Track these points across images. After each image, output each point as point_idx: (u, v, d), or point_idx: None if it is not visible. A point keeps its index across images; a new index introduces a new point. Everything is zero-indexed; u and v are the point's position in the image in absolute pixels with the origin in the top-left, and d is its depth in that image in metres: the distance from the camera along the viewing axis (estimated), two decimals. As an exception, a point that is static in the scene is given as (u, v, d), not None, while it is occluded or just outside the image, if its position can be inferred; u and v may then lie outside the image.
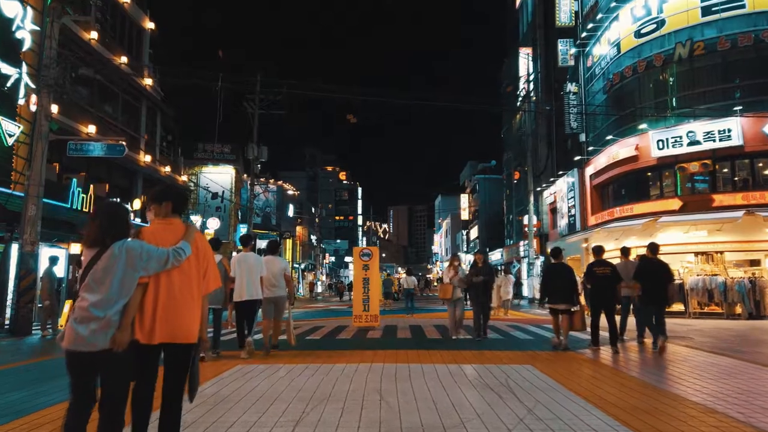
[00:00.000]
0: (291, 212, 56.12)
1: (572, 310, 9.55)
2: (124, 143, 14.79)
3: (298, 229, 58.63)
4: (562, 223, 32.31)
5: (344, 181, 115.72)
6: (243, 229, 34.91)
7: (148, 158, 23.21)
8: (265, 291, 8.93)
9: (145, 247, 3.21)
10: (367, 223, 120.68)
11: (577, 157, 29.87)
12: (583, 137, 30.15)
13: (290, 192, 56.12)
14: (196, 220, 31.87)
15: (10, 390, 6.25)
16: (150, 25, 24.50)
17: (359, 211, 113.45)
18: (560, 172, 33.19)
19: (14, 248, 14.03)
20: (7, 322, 13.62)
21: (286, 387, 6.25)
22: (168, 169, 25.64)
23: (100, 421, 3.12)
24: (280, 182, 53.13)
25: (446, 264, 13.69)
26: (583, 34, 29.89)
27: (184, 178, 29.54)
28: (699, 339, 11.59)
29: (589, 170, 28.14)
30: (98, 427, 3.12)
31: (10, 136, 14.53)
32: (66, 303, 14.95)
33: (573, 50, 32.27)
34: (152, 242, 3.31)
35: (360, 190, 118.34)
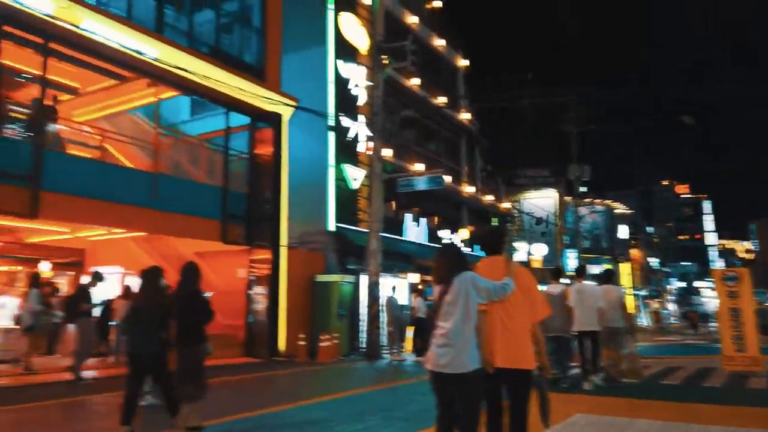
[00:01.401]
0: (623, 233, 51.20)
1: None
2: (442, 174, 15.40)
3: (633, 251, 53.02)
4: None
5: (685, 195, 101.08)
6: (570, 254, 33.11)
7: (470, 189, 23.98)
8: (604, 321, 8.68)
9: (478, 278, 3.67)
10: (721, 242, 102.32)
11: None
12: None
13: (620, 211, 51.39)
14: (522, 246, 31.55)
15: (348, 420, 6.36)
16: (463, 62, 25.72)
17: (709, 228, 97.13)
18: None
19: (363, 279, 15.70)
20: (362, 346, 15.18)
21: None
22: (490, 197, 26.08)
23: None
24: (607, 202, 49.19)
25: None
26: None
27: (507, 205, 29.65)
28: None
29: None
30: None
31: (355, 180, 16.65)
32: (408, 329, 15.88)
33: None
34: (484, 276, 3.74)
35: (708, 204, 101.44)
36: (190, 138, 15.36)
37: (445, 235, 22.37)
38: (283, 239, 14.07)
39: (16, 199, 9.25)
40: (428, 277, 16.52)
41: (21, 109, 10.58)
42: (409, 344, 15.16)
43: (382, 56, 14.63)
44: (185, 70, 11.31)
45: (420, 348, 13.66)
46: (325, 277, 14.90)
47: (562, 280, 9.51)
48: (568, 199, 35.69)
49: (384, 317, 14.39)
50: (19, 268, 13.69)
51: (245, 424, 5.78)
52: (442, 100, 22.19)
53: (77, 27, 9.87)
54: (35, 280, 10.61)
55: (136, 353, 5.60)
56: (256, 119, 14.04)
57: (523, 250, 31.56)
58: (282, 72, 14.54)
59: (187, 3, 13.39)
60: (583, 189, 32.76)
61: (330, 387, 9.11)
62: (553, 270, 9.61)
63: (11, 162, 9.27)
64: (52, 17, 9.53)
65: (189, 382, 5.33)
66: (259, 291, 13.79)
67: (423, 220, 21.01)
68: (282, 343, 13.53)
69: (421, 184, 15.01)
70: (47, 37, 9.90)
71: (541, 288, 4.00)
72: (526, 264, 29.99)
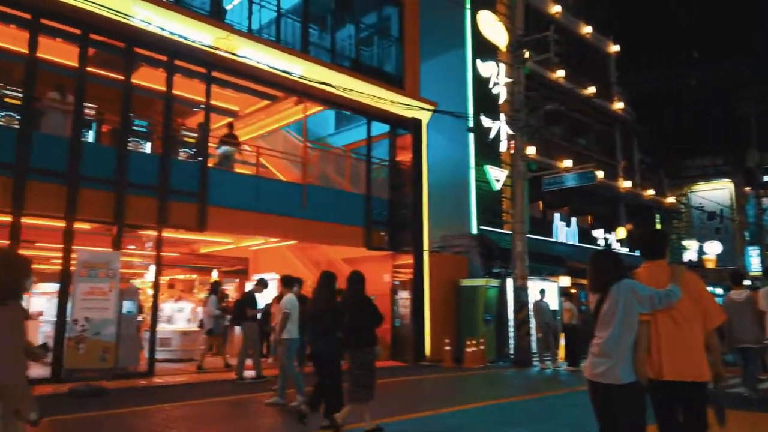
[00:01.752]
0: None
1: None
2: (593, 170, 14.33)
3: (838, 247, 44.95)
4: None
5: None
6: (753, 252, 29.02)
7: (627, 184, 22.13)
8: None
9: (638, 286, 3.48)
10: None
11: None
12: None
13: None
14: (692, 245, 28.37)
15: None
16: (614, 48, 23.84)
17: None
18: None
19: (509, 283, 15.16)
20: (511, 352, 14.67)
21: None
22: (651, 192, 23.83)
23: None
24: (800, 190, 42.26)
25: None
26: None
27: (671, 199, 26.85)
28: None
29: None
30: None
31: (497, 180, 16.20)
32: (560, 335, 15.01)
33: None
34: (646, 283, 3.54)
35: None
36: (336, 149, 16.11)
37: (599, 234, 20.87)
38: (426, 243, 14.11)
39: (189, 215, 10.40)
40: (581, 281, 15.49)
41: (190, 134, 11.89)
42: (562, 352, 14.31)
43: (523, 50, 14.06)
44: (329, 85, 11.85)
45: (573, 357, 12.83)
46: (469, 281, 14.67)
47: (744, 283, 8.48)
48: (747, 189, 31.51)
49: (533, 322, 13.77)
50: (194, 276, 15.42)
51: (387, 430, 5.82)
52: (591, 90, 20.76)
53: (234, 55, 10.83)
54: (215, 288, 11.82)
55: (318, 354, 6.03)
56: (395, 126, 14.28)
57: (693, 249, 28.38)
58: (421, 77, 14.63)
59: (330, 21, 14.07)
60: (766, 177, 28.67)
61: (473, 394, 8.90)
62: (733, 273, 8.63)
63: (184, 181, 10.45)
64: (213, 48, 10.57)
65: (360, 385, 5.55)
66: (404, 295, 13.97)
67: (574, 220, 19.82)
68: (428, 348, 13.56)
69: (570, 181, 14.12)
70: (210, 66, 11.00)
71: (721, 291, 3.71)
72: (698, 264, 26.93)
